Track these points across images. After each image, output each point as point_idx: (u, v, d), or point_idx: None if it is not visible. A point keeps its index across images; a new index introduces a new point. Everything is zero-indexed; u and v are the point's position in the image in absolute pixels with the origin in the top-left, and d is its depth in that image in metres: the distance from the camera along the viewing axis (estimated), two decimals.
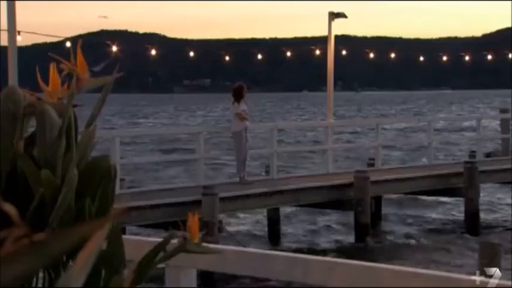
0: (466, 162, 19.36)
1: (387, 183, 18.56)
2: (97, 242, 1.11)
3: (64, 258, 1.77)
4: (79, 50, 1.95)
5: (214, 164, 30.26)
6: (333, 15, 20.66)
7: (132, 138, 40.21)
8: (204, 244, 2.13)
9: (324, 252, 17.10)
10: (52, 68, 1.92)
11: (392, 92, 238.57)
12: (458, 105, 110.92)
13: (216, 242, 13.21)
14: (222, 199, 15.26)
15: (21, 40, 19.53)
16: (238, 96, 16.78)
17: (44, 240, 1.03)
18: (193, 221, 2.03)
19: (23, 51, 24.67)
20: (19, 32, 17.65)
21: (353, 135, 49.20)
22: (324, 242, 18.60)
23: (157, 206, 15.03)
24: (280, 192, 16.87)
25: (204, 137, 18.13)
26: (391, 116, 76.97)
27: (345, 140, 44.40)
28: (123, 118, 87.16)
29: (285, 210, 19.86)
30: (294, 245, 18.02)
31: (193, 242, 2.03)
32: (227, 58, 45.22)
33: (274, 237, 18.72)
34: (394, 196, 21.50)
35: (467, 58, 46.29)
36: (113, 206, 1.95)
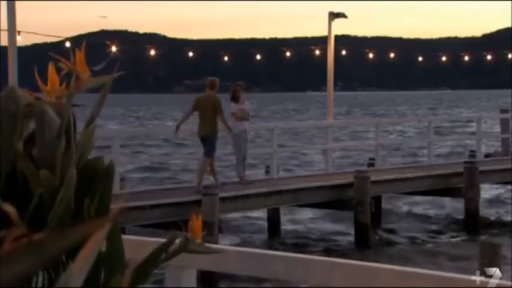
0: (466, 162, 19.36)
1: (387, 183, 18.56)
2: (96, 242, 1.11)
3: (64, 258, 1.77)
4: (82, 50, 1.94)
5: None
6: (333, 15, 20.66)
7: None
8: (206, 244, 2.12)
9: (324, 252, 17.09)
10: (50, 66, 1.92)
11: (392, 92, 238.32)
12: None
13: (216, 242, 13.22)
14: (222, 199, 15.26)
15: (21, 40, 19.56)
16: (232, 97, 16.88)
17: (42, 240, 1.02)
18: (196, 221, 2.02)
19: (23, 51, 24.65)
20: (19, 32, 17.67)
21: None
22: (324, 242, 18.58)
23: (157, 206, 15.02)
24: (280, 192, 16.88)
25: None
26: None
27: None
28: None
29: (285, 210, 19.84)
30: (294, 245, 18.01)
31: (196, 242, 2.03)
32: (227, 58, 45.19)
33: (274, 237, 18.71)
34: (394, 196, 21.47)
35: (467, 58, 46.21)
36: (112, 206, 1.95)
